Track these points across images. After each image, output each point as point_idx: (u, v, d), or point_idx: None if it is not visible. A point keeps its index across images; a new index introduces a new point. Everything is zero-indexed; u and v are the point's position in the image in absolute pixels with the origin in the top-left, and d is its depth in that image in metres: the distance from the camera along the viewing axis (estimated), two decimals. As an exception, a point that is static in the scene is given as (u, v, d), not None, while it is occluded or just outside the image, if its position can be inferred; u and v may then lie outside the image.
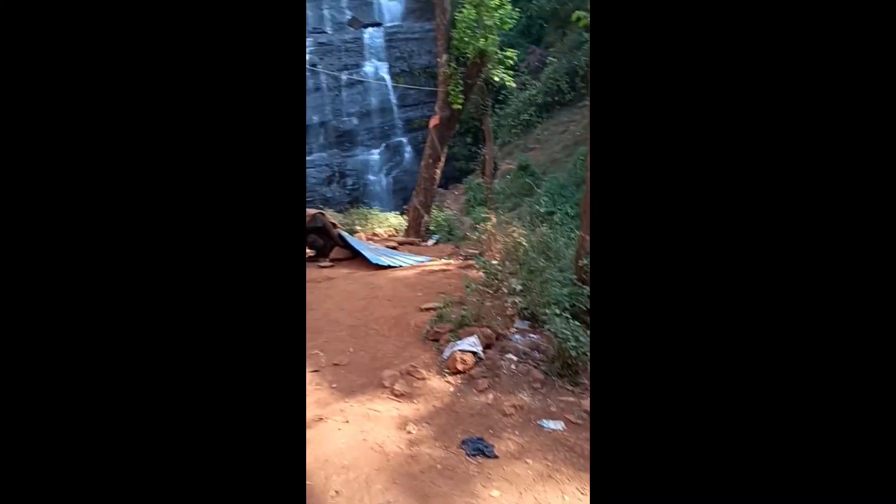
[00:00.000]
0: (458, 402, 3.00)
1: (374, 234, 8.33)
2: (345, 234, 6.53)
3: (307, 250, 6.76)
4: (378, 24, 20.45)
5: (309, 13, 20.45)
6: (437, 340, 3.62)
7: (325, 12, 20.68)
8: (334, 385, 3.15)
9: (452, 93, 7.51)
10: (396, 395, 3.05)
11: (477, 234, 6.15)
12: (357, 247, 6.08)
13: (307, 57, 18.63)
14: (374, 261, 5.67)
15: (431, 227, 8.12)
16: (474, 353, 3.36)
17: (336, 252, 6.24)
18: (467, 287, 4.15)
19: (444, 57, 7.52)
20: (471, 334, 3.50)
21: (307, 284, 5.28)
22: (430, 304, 4.16)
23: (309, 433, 2.64)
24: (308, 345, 3.69)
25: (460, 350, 3.35)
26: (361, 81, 19.06)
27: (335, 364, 3.39)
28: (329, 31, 20.24)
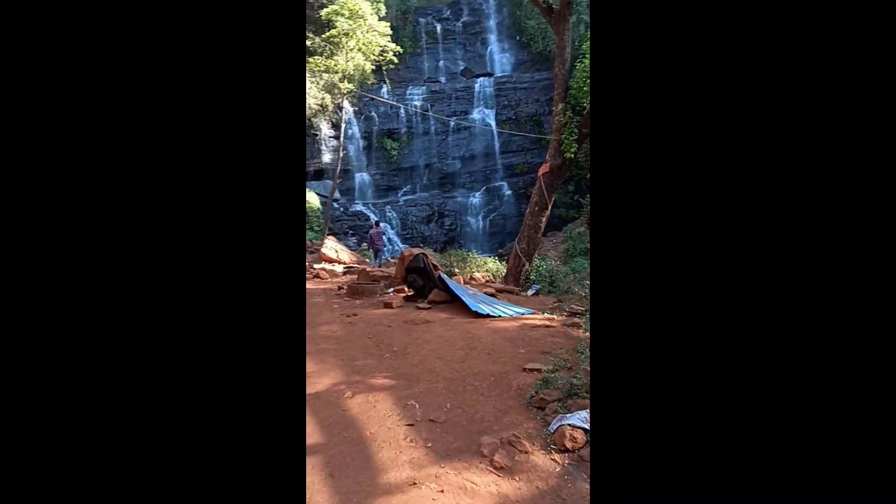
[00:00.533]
0: (565, 487, 2.61)
1: (472, 278, 8.20)
2: (445, 276, 6.46)
3: (406, 289, 6.80)
4: (489, 75, 21.24)
5: (425, 63, 21.93)
6: (542, 409, 3.26)
7: (441, 63, 22.00)
8: (429, 444, 2.93)
9: (566, 141, 7.31)
10: (496, 468, 2.73)
11: (584, 289, 5.71)
12: (456, 291, 5.96)
13: (420, 104, 19.79)
14: (474, 308, 5.48)
15: (532, 277, 7.79)
16: (586, 431, 2.95)
17: (435, 294, 6.16)
18: (581, 353, 3.76)
19: (560, 106, 7.40)
20: (582, 408, 3.10)
21: (405, 325, 5.23)
22: (535, 365, 3.82)
23: (401, 498, 2.42)
24: (404, 393, 3.54)
25: (570, 425, 2.96)
26: (468, 127, 19.71)
27: (431, 420, 3.17)
28: (442, 81, 21.42)
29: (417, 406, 3.33)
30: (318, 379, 3.77)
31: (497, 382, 3.69)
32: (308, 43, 16.24)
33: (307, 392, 3.52)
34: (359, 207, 18.58)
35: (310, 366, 4.01)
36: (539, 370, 3.72)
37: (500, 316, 5.45)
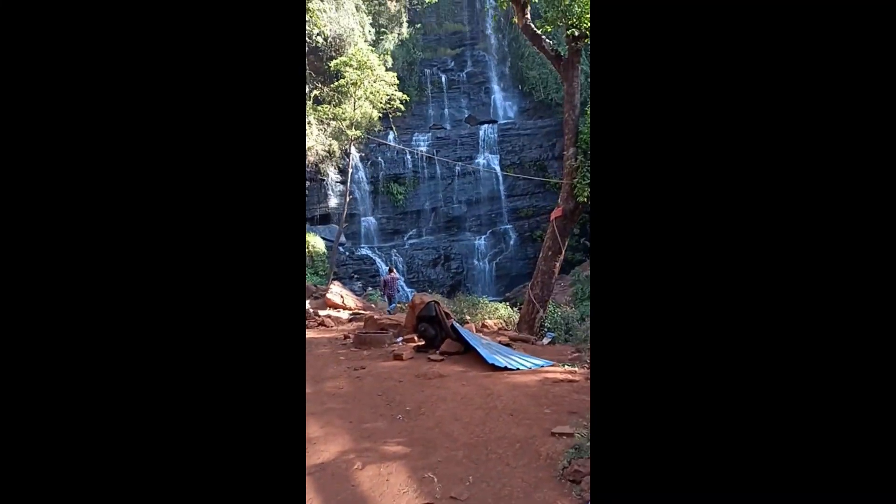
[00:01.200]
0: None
1: (484, 325, 7.86)
2: (458, 326, 6.14)
3: (416, 339, 6.46)
4: (493, 122, 21.66)
5: (431, 111, 22.42)
6: (577, 482, 2.87)
7: (446, 111, 22.50)
8: (452, 530, 2.55)
9: (579, 185, 7.19)
10: (531, 560, 2.34)
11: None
12: (471, 341, 5.62)
13: (425, 149, 20.06)
14: (490, 360, 5.13)
15: (547, 324, 7.45)
16: (631, 512, 2.56)
17: (447, 344, 5.82)
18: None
19: (572, 150, 7.33)
20: (625, 483, 2.72)
21: (417, 380, 4.88)
22: (563, 429, 3.46)
23: None
24: (420, 463, 3.17)
25: None
26: (473, 171, 19.88)
27: (452, 497, 2.79)
28: (447, 127, 21.83)
29: (436, 479, 2.96)
30: (325, 446, 3.41)
31: (523, 449, 3.32)
32: (316, 92, 16.65)
33: (312, 462, 3.16)
34: (364, 251, 18.43)
35: (315, 430, 3.65)
36: (570, 434, 3.35)
37: (517, 368, 5.10)
